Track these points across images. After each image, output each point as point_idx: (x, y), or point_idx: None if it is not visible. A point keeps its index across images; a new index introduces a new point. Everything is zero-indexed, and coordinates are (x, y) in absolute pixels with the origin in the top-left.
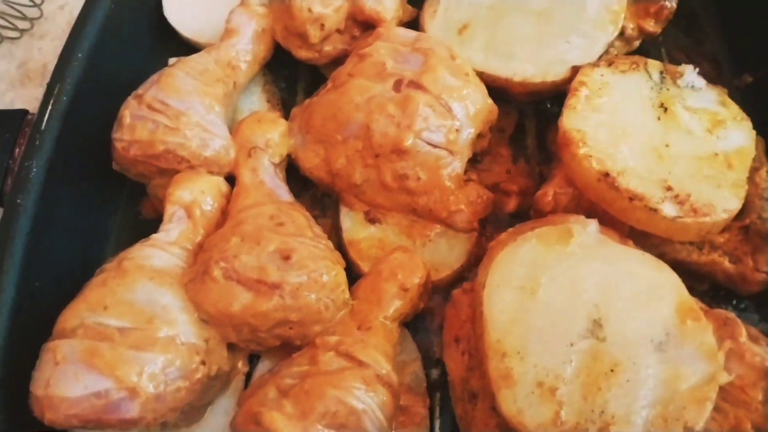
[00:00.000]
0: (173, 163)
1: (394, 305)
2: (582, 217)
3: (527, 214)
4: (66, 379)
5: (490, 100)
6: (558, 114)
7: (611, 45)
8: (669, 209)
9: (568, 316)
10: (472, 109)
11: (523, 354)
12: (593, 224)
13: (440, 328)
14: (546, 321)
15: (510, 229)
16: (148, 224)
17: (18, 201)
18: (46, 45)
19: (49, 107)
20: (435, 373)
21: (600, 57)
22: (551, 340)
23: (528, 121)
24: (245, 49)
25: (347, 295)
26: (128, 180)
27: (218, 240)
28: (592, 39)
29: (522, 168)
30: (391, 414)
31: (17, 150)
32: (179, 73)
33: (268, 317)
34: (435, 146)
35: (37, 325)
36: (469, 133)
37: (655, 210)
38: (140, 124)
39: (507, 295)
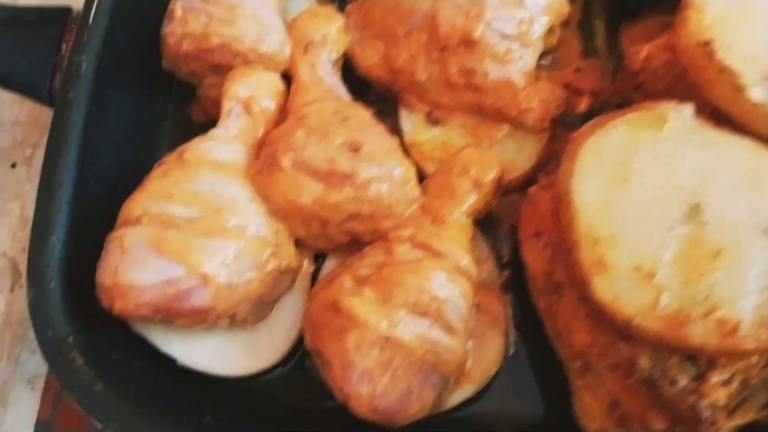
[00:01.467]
0: (228, 57)
1: (469, 200)
2: (674, 103)
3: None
4: (135, 266)
5: None
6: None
7: None
8: (757, 93)
9: (664, 201)
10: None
11: (617, 240)
12: (688, 108)
13: (510, 231)
14: (641, 207)
15: (593, 120)
16: (200, 128)
17: (69, 96)
18: None
19: (95, 2)
20: (504, 274)
21: None
22: (647, 226)
23: (595, 11)
24: None
25: (417, 190)
26: (176, 83)
27: (282, 133)
28: None
29: (592, 66)
30: (471, 305)
31: (64, 47)
32: None
33: (338, 209)
34: (506, 37)
35: (95, 223)
36: (541, 24)
37: (742, 89)
38: (193, 17)
39: (597, 182)
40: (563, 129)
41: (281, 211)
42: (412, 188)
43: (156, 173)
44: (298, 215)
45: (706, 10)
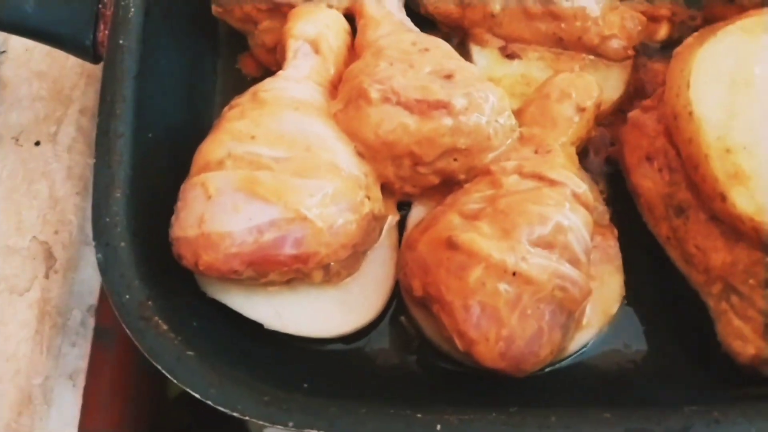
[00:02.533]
0: None
1: (571, 126)
2: None
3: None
4: (224, 212)
5: None
6: None
7: None
8: None
9: None
10: None
11: (751, 148)
12: None
13: (605, 162)
14: None
15: (696, 33)
16: (253, 82)
17: (121, 42)
18: None
19: None
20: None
21: None
22: None
23: None
24: None
25: (514, 119)
26: (223, 34)
27: (363, 66)
28: None
29: None
30: (591, 236)
31: None
32: None
33: (434, 143)
34: None
35: (156, 178)
36: None
37: None
38: None
39: (717, 91)
40: (645, 58)
41: (370, 150)
42: (510, 117)
43: (231, 114)
44: (389, 153)
45: None
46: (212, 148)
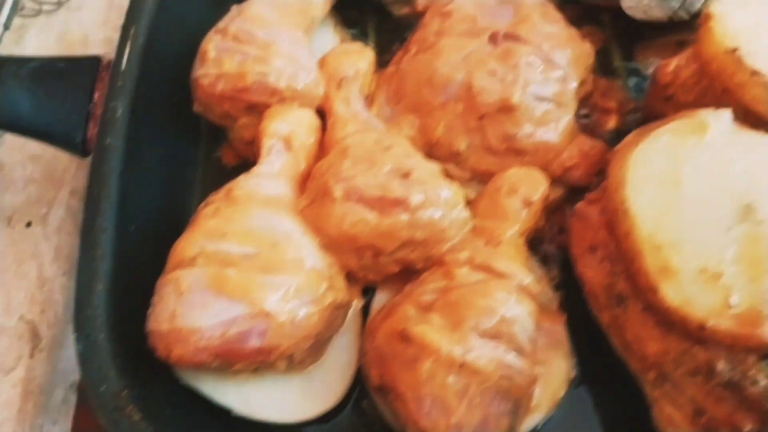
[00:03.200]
0: (264, 95)
1: (520, 220)
2: (712, 110)
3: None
4: (194, 308)
5: (586, 43)
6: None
7: None
8: None
9: (718, 203)
10: (572, 56)
11: (678, 245)
12: (727, 113)
13: (557, 252)
14: (696, 210)
15: (635, 131)
16: (231, 171)
17: (108, 142)
18: (85, 16)
19: (127, 48)
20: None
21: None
22: (706, 229)
23: (610, 37)
24: None
25: (468, 212)
26: (204, 127)
27: (329, 165)
28: None
29: (615, 86)
30: (537, 326)
31: (96, 95)
32: (260, 5)
33: (393, 237)
34: (543, 99)
35: (137, 269)
36: (574, 82)
37: None
38: (227, 57)
39: (650, 190)
40: None
41: (334, 243)
42: (462, 210)
43: (205, 212)
44: (352, 246)
45: (727, 20)
46: (186, 245)
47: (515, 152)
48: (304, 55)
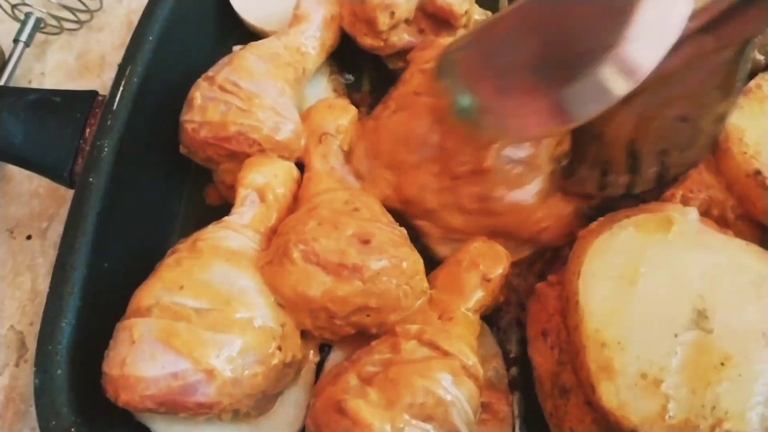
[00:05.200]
0: (244, 146)
1: (476, 296)
2: (680, 205)
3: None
4: (143, 358)
5: None
6: None
7: None
8: None
9: (670, 306)
10: None
11: (624, 345)
12: (693, 212)
13: (514, 324)
14: (647, 311)
15: (601, 218)
16: (214, 210)
17: (90, 180)
18: (104, 37)
19: (121, 88)
20: (512, 371)
21: None
22: (654, 331)
23: None
24: (314, 36)
25: (426, 283)
26: (193, 165)
27: (294, 224)
28: None
29: None
30: (477, 408)
31: (87, 130)
32: (250, 56)
33: (347, 302)
34: (516, 162)
35: (105, 307)
36: (548, 143)
37: None
38: (212, 106)
39: (604, 284)
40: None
41: (289, 303)
42: (420, 281)
43: (169, 261)
44: (306, 307)
45: (746, 141)
46: (144, 294)
47: (487, 213)
48: (287, 108)
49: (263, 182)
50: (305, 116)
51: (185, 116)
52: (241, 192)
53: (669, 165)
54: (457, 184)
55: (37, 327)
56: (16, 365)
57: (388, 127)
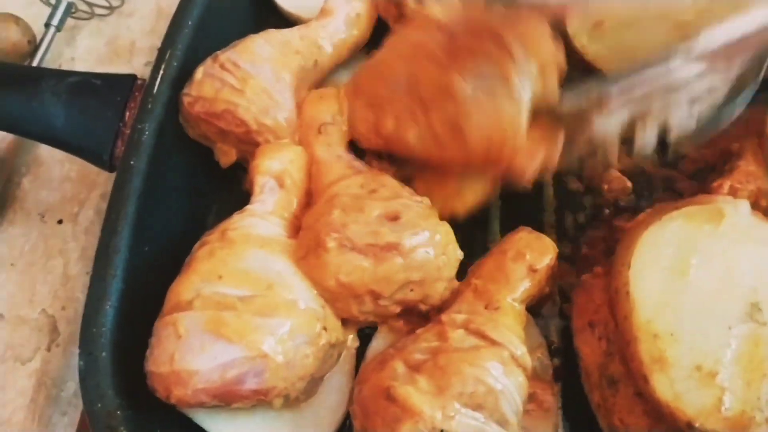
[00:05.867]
0: (232, 125)
1: (523, 286)
2: (730, 197)
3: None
4: (192, 351)
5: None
6: None
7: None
8: None
9: (723, 298)
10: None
11: (676, 336)
12: (745, 204)
13: (560, 316)
14: (699, 303)
15: (649, 209)
16: (248, 196)
17: (131, 163)
18: (134, 23)
19: (161, 71)
20: (554, 362)
21: None
22: (706, 323)
23: None
24: (336, 30)
25: (459, 250)
26: None
27: (319, 215)
28: None
29: None
30: (525, 398)
31: (127, 114)
32: (260, 40)
33: (390, 280)
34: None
35: (146, 291)
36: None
37: None
38: (208, 81)
39: (655, 275)
40: (611, 214)
41: (333, 293)
42: (454, 249)
43: (201, 254)
44: (351, 294)
45: None
46: (183, 288)
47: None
48: (281, 93)
49: (280, 168)
50: (300, 109)
51: (185, 89)
52: (259, 180)
53: None
54: (428, 110)
55: (68, 312)
56: (48, 349)
57: (368, 64)
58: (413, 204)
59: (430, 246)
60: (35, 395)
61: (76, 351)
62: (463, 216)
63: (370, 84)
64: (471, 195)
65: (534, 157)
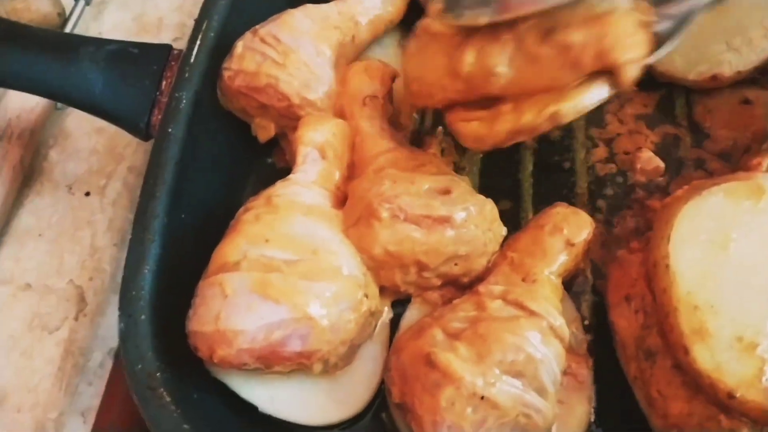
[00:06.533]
0: (273, 99)
1: (560, 260)
2: None
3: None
4: (239, 311)
5: None
6: None
7: None
8: None
9: (763, 272)
10: None
11: (717, 308)
12: None
13: (592, 292)
14: (739, 276)
15: (686, 186)
16: (281, 172)
17: (169, 130)
18: (162, 0)
19: (198, 42)
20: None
21: (755, 68)
22: (747, 296)
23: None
24: (373, 6)
25: (503, 227)
26: None
27: (369, 185)
28: (754, 47)
29: None
30: (563, 368)
31: (164, 83)
32: (299, 14)
33: (439, 252)
34: None
35: (182, 258)
36: None
37: None
38: (249, 55)
39: (695, 248)
40: (646, 194)
41: (380, 263)
42: (499, 226)
43: (247, 218)
44: (398, 263)
45: None
46: (229, 249)
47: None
48: (322, 68)
49: (322, 140)
50: (343, 80)
51: (225, 63)
52: (302, 150)
53: None
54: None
55: (96, 282)
56: (75, 319)
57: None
58: (460, 180)
59: (478, 221)
60: (62, 364)
61: (103, 322)
62: (571, 117)
63: (414, 64)
64: (576, 93)
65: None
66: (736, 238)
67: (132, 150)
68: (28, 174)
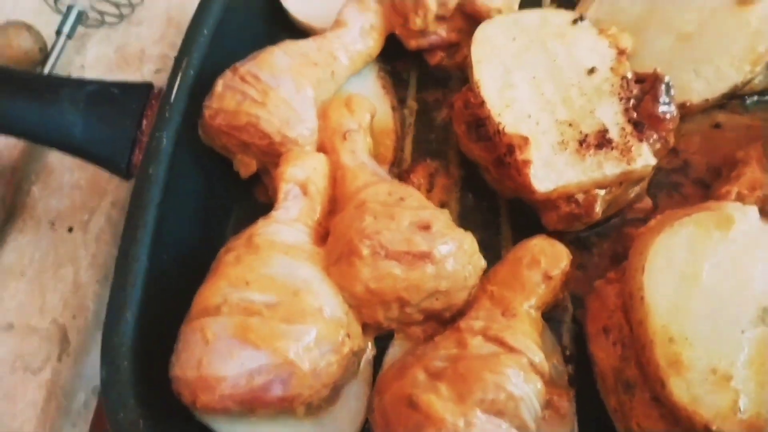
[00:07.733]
0: (255, 137)
1: (538, 293)
2: (740, 204)
3: None
4: (220, 357)
5: None
6: None
7: (739, 87)
8: None
9: (735, 303)
10: None
11: (691, 340)
12: (754, 211)
13: (572, 322)
14: (712, 307)
15: (659, 216)
16: (265, 207)
17: (150, 171)
18: (144, 31)
19: (178, 80)
20: (568, 369)
21: (723, 96)
22: (720, 327)
23: None
24: (351, 42)
25: (483, 260)
26: None
27: (350, 222)
28: (721, 76)
29: None
30: (543, 404)
31: (144, 122)
32: (278, 51)
33: (420, 288)
34: None
35: (165, 300)
36: None
37: None
38: (229, 94)
39: (668, 280)
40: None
41: (361, 300)
42: (479, 259)
43: (228, 259)
44: (379, 300)
45: None
46: (210, 293)
47: None
48: (303, 104)
49: (304, 176)
50: (324, 115)
51: (206, 101)
52: (284, 186)
53: None
54: None
55: (79, 320)
56: (59, 359)
57: None
58: (440, 214)
59: (458, 255)
60: (46, 406)
61: (87, 360)
62: None
63: None
64: None
65: None
66: (707, 269)
67: (115, 185)
68: (10, 210)
